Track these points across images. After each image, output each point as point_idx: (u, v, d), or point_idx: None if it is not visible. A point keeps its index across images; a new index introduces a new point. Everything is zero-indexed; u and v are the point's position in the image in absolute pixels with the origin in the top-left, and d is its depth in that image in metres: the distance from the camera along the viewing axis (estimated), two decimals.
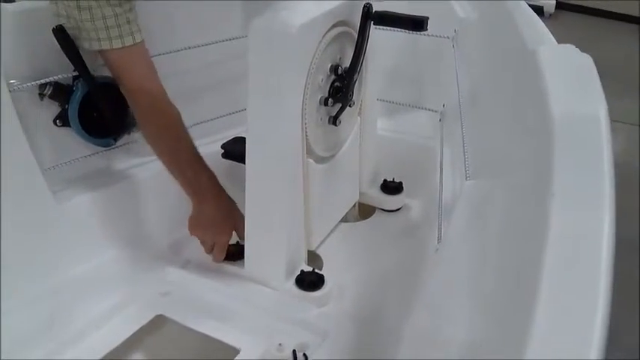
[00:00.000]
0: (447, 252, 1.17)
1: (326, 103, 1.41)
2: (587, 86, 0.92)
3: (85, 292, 1.42)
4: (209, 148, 1.63)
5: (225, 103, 1.78)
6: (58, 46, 1.39)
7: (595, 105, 0.85)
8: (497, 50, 1.53)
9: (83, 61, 1.43)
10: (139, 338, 1.35)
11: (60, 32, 1.38)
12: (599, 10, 5.70)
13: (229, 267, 1.50)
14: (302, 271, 1.43)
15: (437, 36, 1.75)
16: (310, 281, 1.42)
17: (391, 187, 1.76)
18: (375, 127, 1.72)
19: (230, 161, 1.64)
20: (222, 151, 1.66)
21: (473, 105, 1.59)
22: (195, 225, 1.49)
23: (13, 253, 1.34)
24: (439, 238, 1.33)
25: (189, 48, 1.67)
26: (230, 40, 1.75)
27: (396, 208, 1.76)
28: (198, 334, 1.33)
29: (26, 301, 1.34)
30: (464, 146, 1.43)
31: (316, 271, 1.44)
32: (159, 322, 1.38)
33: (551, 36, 1.25)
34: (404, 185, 1.76)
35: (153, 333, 1.38)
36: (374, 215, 1.76)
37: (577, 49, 1.08)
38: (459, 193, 1.34)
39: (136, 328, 1.34)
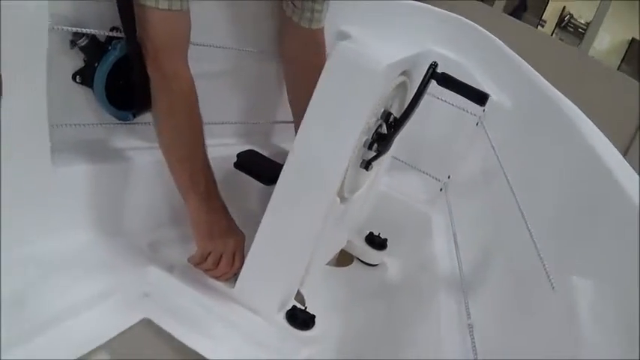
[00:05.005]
0: None
1: (370, 147, 1.36)
2: None
3: (60, 270, 1.26)
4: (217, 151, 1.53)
5: (239, 110, 1.68)
6: None
7: None
8: (540, 149, 1.49)
9: (134, 20, 1.29)
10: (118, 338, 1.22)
11: None
12: None
13: (214, 282, 1.38)
14: (294, 307, 1.37)
15: (465, 110, 1.74)
16: (303, 319, 1.36)
17: (376, 242, 1.73)
18: (380, 179, 1.68)
19: (237, 171, 1.53)
20: (234, 158, 1.55)
21: (486, 186, 1.59)
22: (207, 235, 1.36)
23: None
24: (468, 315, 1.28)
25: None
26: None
27: (375, 263, 1.73)
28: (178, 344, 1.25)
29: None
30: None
31: (308, 310, 1.38)
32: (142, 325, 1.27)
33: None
34: (388, 243, 1.73)
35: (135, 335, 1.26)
36: (352, 265, 1.71)
37: None
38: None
39: (121, 327, 1.23)
